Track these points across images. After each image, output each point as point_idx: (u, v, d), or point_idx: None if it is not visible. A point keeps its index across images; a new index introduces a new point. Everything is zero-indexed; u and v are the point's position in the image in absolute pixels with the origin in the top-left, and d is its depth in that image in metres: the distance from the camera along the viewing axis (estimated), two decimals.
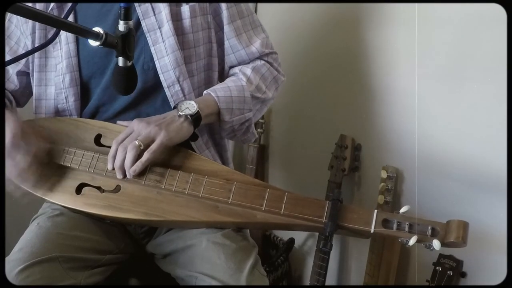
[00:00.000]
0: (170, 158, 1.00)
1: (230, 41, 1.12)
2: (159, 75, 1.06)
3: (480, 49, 1.17)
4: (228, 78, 1.13)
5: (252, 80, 1.11)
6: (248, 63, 1.15)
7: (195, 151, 1.09)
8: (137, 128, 0.97)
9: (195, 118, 1.00)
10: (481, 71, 1.17)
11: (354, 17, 1.51)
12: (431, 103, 1.31)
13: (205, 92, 1.07)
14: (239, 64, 1.15)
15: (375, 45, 1.46)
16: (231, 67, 1.16)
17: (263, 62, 1.15)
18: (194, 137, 1.05)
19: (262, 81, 1.13)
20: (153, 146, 0.95)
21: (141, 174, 0.97)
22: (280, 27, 1.84)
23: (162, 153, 0.98)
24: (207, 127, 1.13)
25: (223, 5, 1.11)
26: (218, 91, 1.06)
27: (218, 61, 1.14)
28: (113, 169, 0.98)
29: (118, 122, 1.05)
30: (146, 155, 0.94)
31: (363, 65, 1.50)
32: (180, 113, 0.99)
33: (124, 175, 0.97)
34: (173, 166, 0.99)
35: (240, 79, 1.10)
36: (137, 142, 0.94)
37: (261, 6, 1.96)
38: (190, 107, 1.00)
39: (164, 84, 1.06)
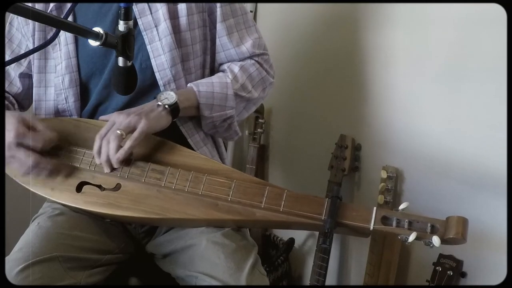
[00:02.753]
0: (171, 156, 1.01)
1: (221, 39, 1.13)
2: (155, 73, 1.07)
3: (480, 49, 1.17)
4: (215, 74, 1.13)
5: (238, 78, 1.11)
6: (238, 61, 1.15)
7: (192, 148, 1.10)
8: (117, 120, 0.97)
9: (173, 109, 1.01)
10: (481, 71, 1.17)
11: (354, 17, 1.52)
12: (430, 103, 1.31)
13: (188, 85, 1.08)
14: (228, 62, 1.15)
15: (375, 45, 1.46)
16: (221, 64, 1.16)
17: (253, 61, 1.16)
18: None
19: (249, 80, 1.13)
20: (135, 134, 0.95)
21: (141, 172, 0.98)
22: (280, 27, 1.84)
23: (146, 143, 0.99)
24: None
25: (218, 3, 1.11)
26: (200, 85, 1.06)
27: (211, 58, 1.15)
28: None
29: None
30: (128, 143, 0.95)
31: (363, 65, 1.50)
32: (159, 103, 1.00)
33: (111, 169, 0.98)
34: (173, 164, 0.99)
35: (226, 76, 1.11)
36: (119, 132, 0.95)
37: (261, 6, 1.96)
38: (169, 97, 1.01)
39: (160, 83, 1.07)
